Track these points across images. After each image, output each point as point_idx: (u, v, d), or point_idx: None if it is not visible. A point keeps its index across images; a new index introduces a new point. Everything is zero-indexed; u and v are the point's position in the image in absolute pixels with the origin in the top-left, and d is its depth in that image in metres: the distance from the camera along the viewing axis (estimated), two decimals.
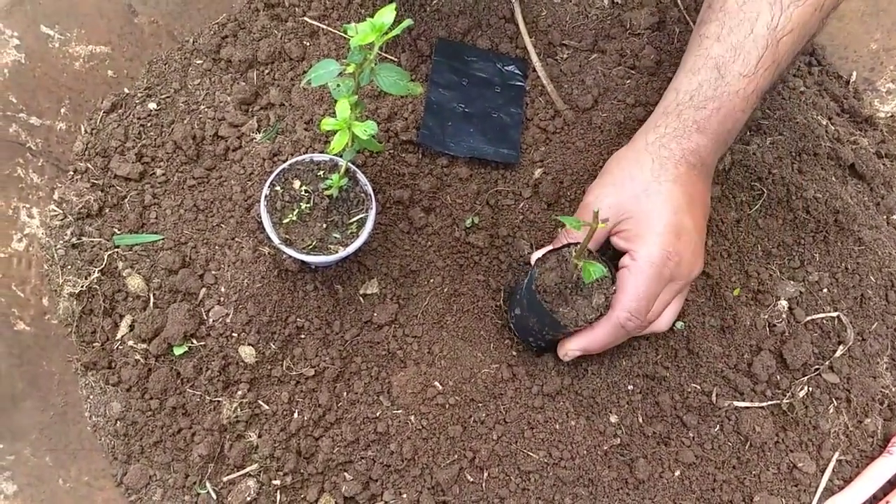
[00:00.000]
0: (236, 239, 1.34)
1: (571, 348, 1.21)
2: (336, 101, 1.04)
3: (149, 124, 1.43)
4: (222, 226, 1.35)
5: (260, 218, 1.33)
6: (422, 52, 1.56)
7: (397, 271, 1.36)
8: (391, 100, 1.50)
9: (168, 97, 1.46)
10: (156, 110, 1.44)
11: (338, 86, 1.06)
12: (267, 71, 1.49)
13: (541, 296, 1.16)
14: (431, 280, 1.37)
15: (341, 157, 1.12)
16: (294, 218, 1.18)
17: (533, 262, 1.22)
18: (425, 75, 1.55)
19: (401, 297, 1.35)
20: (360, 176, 1.22)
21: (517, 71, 1.57)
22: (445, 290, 1.37)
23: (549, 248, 1.25)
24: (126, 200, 1.36)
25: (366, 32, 0.94)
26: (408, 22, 0.96)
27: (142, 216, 1.35)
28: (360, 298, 1.34)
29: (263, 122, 1.46)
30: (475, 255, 1.40)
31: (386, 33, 0.96)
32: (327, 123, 1.03)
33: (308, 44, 1.52)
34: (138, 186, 1.37)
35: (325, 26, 1.54)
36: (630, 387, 1.31)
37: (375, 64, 1.01)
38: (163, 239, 1.34)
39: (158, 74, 1.48)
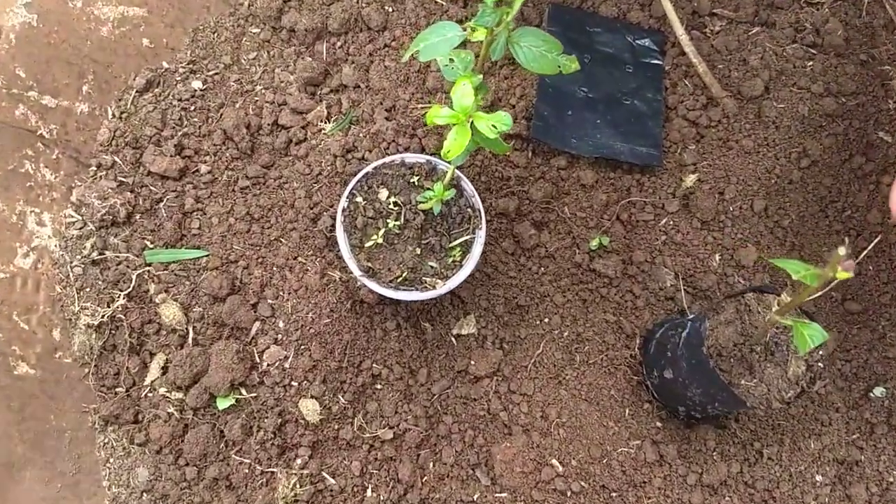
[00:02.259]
0: (299, 258, 1.04)
1: None
2: (448, 83, 0.73)
3: (192, 108, 1.13)
4: (282, 241, 1.06)
5: (329, 231, 1.03)
6: (529, 20, 1.23)
7: (501, 306, 1.05)
8: (494, 80, 1.18)
9: (217, 74, 1.17)
10: (201, 90, 1.15)
11: (451, 61, 0.74)
12: (339, 43, 1.18)
13: (714, 361, 0.84)
14: (546, 319, 1.05)
15: (447, 161, 0.81)
16: (379, 240, 0.88)
17: None
18: None
19: (505, 340, 1.04)
20: (467, 185, 0.91)
21: (653, 46, 1.22)
22: (565, 333, 1.04)
23: None
24: (161, 205, 1.07)
25: None
26: None
27: (181, 225, 1.06)
28: (453, 340, 1.03)
29: (334, 108, 1.15)
30: (603, 288, 1.08)
31: None
32: (438, 115, 0.72)
33: (391, 9, 1.20)
34: (177, 187, 1.08)
35: None
36: (818, 477, 0.97)
37: (513, 29, 0.69)
38: (207, 255, 1.05)
39: (205, 45, 1.18)
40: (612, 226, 1.10)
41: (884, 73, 1.13)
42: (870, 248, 1.09)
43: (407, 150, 1.09)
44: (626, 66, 1.21)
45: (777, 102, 1.11)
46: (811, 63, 1.13)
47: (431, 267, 0.88)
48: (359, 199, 0.88)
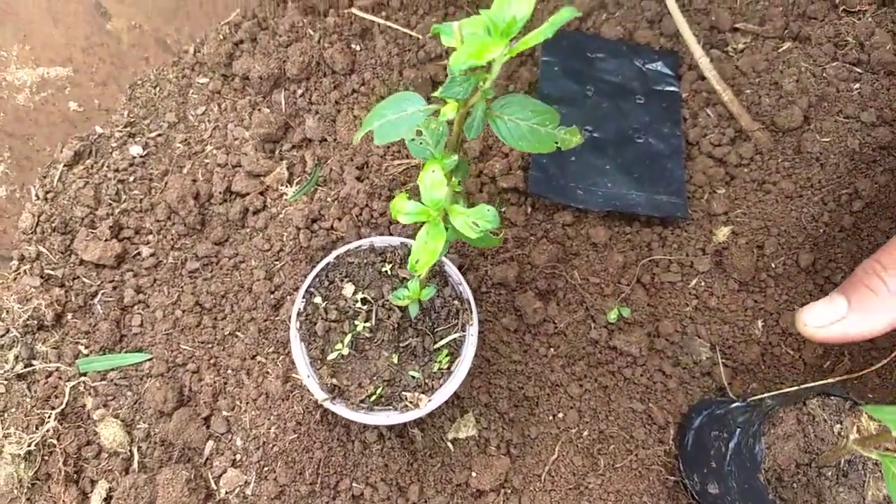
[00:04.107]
0: (258, 357, 0.87)
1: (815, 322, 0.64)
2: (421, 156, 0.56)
3: (131, 179, 0.97)
4: (238, 335, 0.89)
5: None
6: (521, 49, 1.06)
7: (505, 400, 0.87)
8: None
9: (160, 135, 1.00)
10: (142, 156, 0.99)
11: (418, 133, 0.58)
12: (300, 91, 1.02)
13: (773, 487, 0.66)
14: (560, 415, 0.88)
15: (416, 273, 0.63)
16: (344, 350, 0.70)
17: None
18: (528, 83, 1.05)
19: (513, 442, 0.86)
20: (451, 270, 0.74)
21: (666, 70, 1.05)
22: (584, 433, 0.87)
23: None
24: (97, 300, 0.91)
25: (479, 43, 0.45)
26: (569, 12, 0.46)
27: (119, 324, 0.90)
28: (450, 446, 0.86)
29: (297, 166, 0.99)
30: (626, 368, 0.90)
31: (516, 37, 0.48)
32: (402, 211, 0.55)
33: (358, 48, 1.04)
34: (115, 276, 0.92)
35: (381, 20, 1.05)
36: None
37: (493, 99, 0.52)
38: (150, 359, 0.88)
39: (145, 103, 1.02)
40: (633, 292, 0.92)
41: None
42: None
43: (382, 215, 0.93)
44: (637, 96, 1.03)
45: (820, 135, 0.93)
46: (857, 85, 0.95)
47: (413, 377, 0.71)
48: (318, 299, 0.71)
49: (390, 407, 0.70)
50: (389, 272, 0.73)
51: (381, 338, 0.72)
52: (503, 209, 0.97)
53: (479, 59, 0.45)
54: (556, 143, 0.53)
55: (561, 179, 0.96)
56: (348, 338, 0.71)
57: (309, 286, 0.72)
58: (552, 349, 0.91)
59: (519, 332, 0.92)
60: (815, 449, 0.66)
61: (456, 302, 0.73)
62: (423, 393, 0.70)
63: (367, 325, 0.71)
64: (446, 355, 0.72)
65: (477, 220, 0.53)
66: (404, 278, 0.72)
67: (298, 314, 0.71)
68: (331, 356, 0.70)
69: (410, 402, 0.70)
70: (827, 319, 0.63)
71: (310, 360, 0.70)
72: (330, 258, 0.73)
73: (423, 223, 0.55)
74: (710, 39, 1.06)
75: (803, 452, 0.66)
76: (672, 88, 1.04)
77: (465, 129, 0.52)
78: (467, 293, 0.73)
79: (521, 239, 0.95)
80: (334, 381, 0.70)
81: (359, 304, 0.72)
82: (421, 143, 0.58)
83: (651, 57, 1.06)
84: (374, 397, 0.70)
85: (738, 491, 0.70)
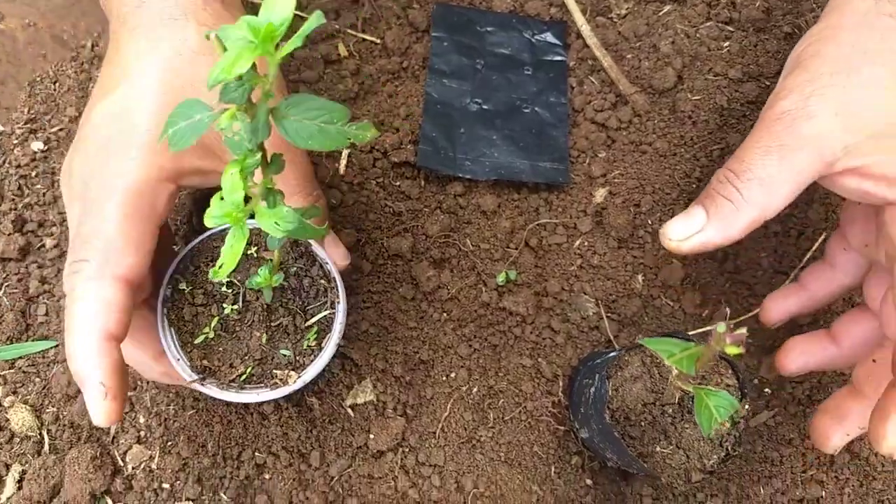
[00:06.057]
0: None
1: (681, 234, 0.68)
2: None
3: (33, 174, 1.00)
4: None
5: None
6: (415, 24, 1.08)
7: (400, 365, 0.92)
8: (376, 100, 1.03)
9: (61, 130, 1.03)
10: (43, 152, 1.01)
11: (235, 134, 0.59)
12: None
13: (622, 426, 0.71)
14: (452, 374, 0.92)
15: (216, 278, 0.65)
16: (211, 333, 0.74)
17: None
18: (422, 59, 1.07)
19: (409, 404, 0.91)
20: (318, 250, 0.77)
21: (554, 40, 1.07)
22: (475, 389, 0.91)
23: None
24: (2, 292, 0.94)
25: (240, 48, 0.47)
26: (317, 18, 0.47)
27: (25, 314, 0.94)
28: (349, 411, 0.91)
29: None
30: (516, 327, 0.94)
31: (279, 43, 0.49)
32: (210, 214, 0.57)
33: None
34: (20, 268, 0.95)
35: None
36: None
37: (271, 99, 0.53)
38: (56, 345, 0.92)
39: (45, 99, 1.04)
40: (521, 255, 0.96)
41: None
42: (815, 247, 0.95)
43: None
44: (525, 67, 1.06)
45: (692, 94, 0.96)
46: (727, 44, 0.98)
47: (284, 355, 0.75)
48: (182, 285, 0.75)
49: (261, 385, 0.74)
50: (255, 254, 0.77)
51: (251, 319, 0.75)
52: (397, 184, 1.00)
53: (228, 74, 0.46)
54: (350, 139, 0.55)
55: (450, 152, 0.99)
56: (215, 321, 0.74)
57: (173, 273, 0.75)
58: (445, 314, 0.95)
59: (415, 300, 0.96)
60: (660, 388, 0.71)
61: (323, 281, 0.77)
62: (293, 370, 0.74)
63: (235, 307, 0.75)
64: (315, 332, 0.76)
65: (278, 221, 0.56)
66: (269, 260, 0.75)
67: (164, 301, 0.74)
68: (198, 339, 0.74)
69: (280, 380, 0.73)
70: (688, 231, 0.66)
71: (180, 345, 0.74)
72: (193, 243, 0.76)
73: (229, 227, 0.57)
74: (596, 7, 1.08)
75: (650, 392, 0.71)
76: (559, 58, 1.06)
77: (251, 132, 0.54)
78: (334, 272, 0.76)
79: (415, 211, 0.99)
80: (205, 362, 0.73)
81: (224, 288, 0.75)
82: (237, 139, 0.58)
83: (540, 28, 1.08)
84: (244, 376, 0.74)
85: (598, 432, 0.74)
